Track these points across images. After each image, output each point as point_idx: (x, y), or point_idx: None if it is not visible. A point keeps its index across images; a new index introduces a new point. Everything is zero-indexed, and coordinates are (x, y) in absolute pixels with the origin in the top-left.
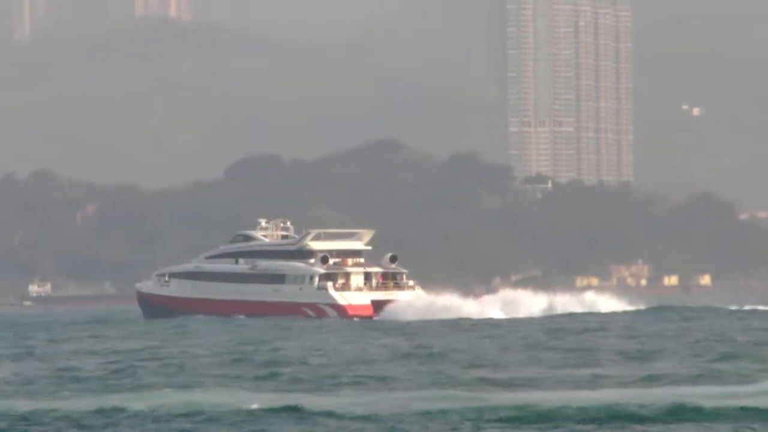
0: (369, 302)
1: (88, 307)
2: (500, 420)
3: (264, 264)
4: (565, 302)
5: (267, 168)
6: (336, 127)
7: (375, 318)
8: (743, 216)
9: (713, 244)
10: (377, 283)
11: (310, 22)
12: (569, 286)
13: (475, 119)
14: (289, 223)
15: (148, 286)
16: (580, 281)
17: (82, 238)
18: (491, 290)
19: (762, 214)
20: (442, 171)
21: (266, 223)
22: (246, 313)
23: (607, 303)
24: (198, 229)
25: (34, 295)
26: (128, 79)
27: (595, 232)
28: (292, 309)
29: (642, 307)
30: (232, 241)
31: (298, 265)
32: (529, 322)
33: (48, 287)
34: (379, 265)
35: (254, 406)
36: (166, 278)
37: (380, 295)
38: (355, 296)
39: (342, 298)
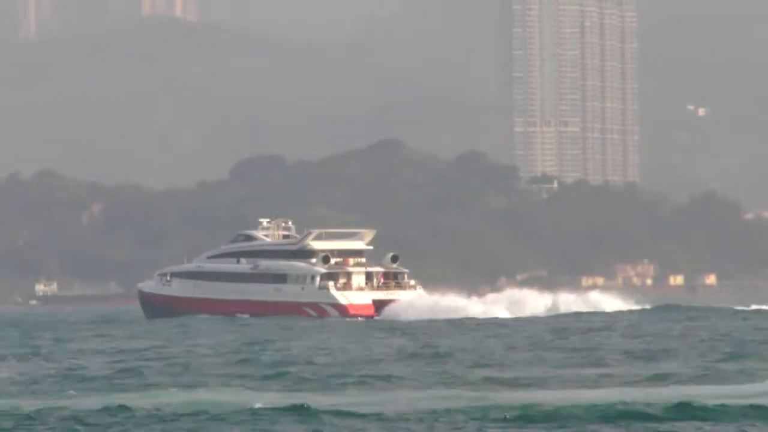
0: (370, 302)
1: (94, 307)
2: (506, 419)
3: (265, 264)
4: (570, 302)
5: (271, 168)
6: (339, 127)
7: (376, 318)
8: (748, 216)
9: (718, 243)
10: (378, 283)
11: (312, 22)
12: (575, 286)
13: (480, 119)
14: (290, 222)
15: (150, 285)
16: (585, 281)
17: (87, 238)
18: (496, 290)
19: (767, 214)
20: (447, 171)
21: (268, 222)
22: (247, 312)
23: (612, 303)
24: (203, 228)
25: (41, 294)
26: (134, 79)
27: (600, 232)
28: (294, 309)
29: (647, 306)
30: (234, 241)
31: (300, 264)
32: (534, 321)
33: (54, 287)
34: (380, 264)
35: (259, 406)
36: (168, 278)
37: (381, 295)
38: (357, 296)
39: (343, 297)
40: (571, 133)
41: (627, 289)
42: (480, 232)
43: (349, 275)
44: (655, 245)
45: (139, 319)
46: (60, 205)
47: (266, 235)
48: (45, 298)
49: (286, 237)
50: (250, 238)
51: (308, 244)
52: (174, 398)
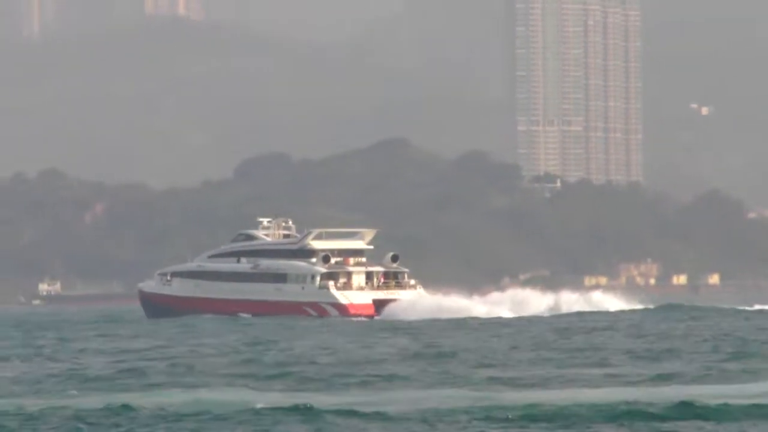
0: (370, 301)
1: (98, 306)
2: (508, 419)
3: (266, 263)
4: (572, 301)
5: (275, 167)
6: (342, 126)
7: (377, 317)
8: (752, 215)
9: (722, 243)
10: (379, 283)
11: (315, 21)
12: (578, 286)
13: (483, 118)
14: (290, 222)
15: (151, 285)
16: (588, 280)
17: (90, 238)
18: (500, 290)
19: None
20: (450, 170)
21: (268, 222)
22: (247, 312)
23: (614, 303)
24: (206, 228)
25: (44, 294)
26: (137, 78)
27: (603, 231)
28: (294, 308)
29: (650, 306)
30: (234, 240)
31: (300, 264)
32: (537, 321)
33: (57, 286)
34: (380, 264)
35: (263, 406)
36: (168, 277)
37: (382, 295)
38: (357, 295)
39: (343, 297)
40: (574, 132)
41: (630, 289)
42: (483, 232)
43: (349, 275)
44: (659, 245)
45: (141, 319)
46: (64, 205)
47: (267, 235)
48: (48, 298)
49: (286, 236)
50: (250, 237)
51: (308, 244)
52: (177, 398)
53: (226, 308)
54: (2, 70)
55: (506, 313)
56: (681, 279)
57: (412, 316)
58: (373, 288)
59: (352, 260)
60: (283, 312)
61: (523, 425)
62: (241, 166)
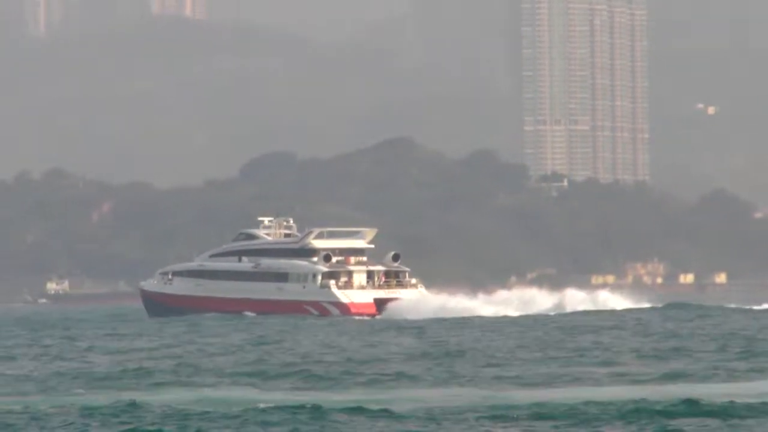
0: (372, 300)
1: (104, 305)
2: (516, 418)
3: (267, 262)
4: (578, 300)
5: (281, 166)
6: (348, 126)
7: (378, 317)
8: (758, 215)
9: (729, 242)
10: (380, 282)
11: (322, 21)
12: (585, 284)
13: (490, 118)
14: (292, 221)
15: (152, 284)
16: (595, 279)
17: (96, 237)
18: (507, 289)
19: None
20: (457, 169)
21: (269, 221)
22: (249, 311)
23: (620, 302)
24: (212, 227)
25: (52, 292)
26: (143, 78)
27: (610, 230)
28: (295, 307)
29: (657, 305)
30: (236, 240)
31: (301, 263)
32: (544, 320)
33: (66, 285)
34: (381, 263)
35: (270, 404)
36: (170, 276)
37: (383, 294)
38: (358, 294)
39: (345, 296)
40: (581, 131)
41: (637, 288)
42: (490, 231)
43: (350, 274)
44: (666, 244)
45: (146, 318)
46: (69, 204)
47: (268, 234)
48: (55, 297)
49: (287, 235)
50: (251, 236)
51: (310, 243)
52: (183, 396)
53: (228, 307)
54: (8, 70)
55: (511, 312)
56: (688, 278)
57: (415, 316)
58: (374, 287)
59: (353, 259)
60: (284, 311)
61: (529, 424)
62: (247, 166)
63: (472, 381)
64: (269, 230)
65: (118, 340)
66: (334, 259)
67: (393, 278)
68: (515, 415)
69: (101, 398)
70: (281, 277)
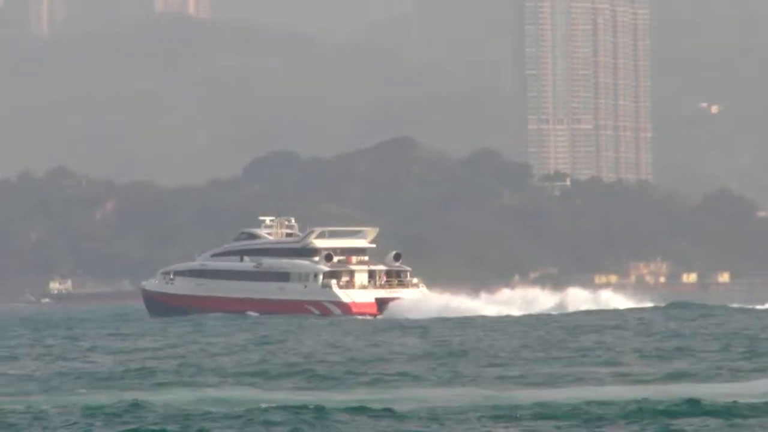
0: (373, 300)
1: (107, 305)
2: (519, 418)
3: (268, 262)
4: (580, 300)
5: (284, 166)
6: (351, 125)
7: (379, 316)
8: (762, 214)
9: (732, 241)
10: (381, 281)
11: (325, 20)
12: (588, 284)
13: (493, 117)
14: (293, 220)
15: (153, 284)
16: (598, 278)
17: (100, 236)
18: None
19: None
20: (460, 168)
21: (271, 221)
22: (250, 310)
23: (622, 302)
24: (216, 226)
25: (55, 292)
26: (146, 76)
27: (614, 229)
28: (297, 307)
29: (660, 304)
30: (237, 239)
31: (303, 262)
32: (547, 319)
33: (69, 284)
34: (383, 263)
35: (272, 404)
36: (171, 276)
37: (384, 293)
38: (359, 294)
39: (346, 295)
40: (584, 130)
41: (640, 287)
42: (493, 230)
43: (351, 273)
44: (669, 243)
45: (146, 318)
46: (73, 203)
47: (269, 233)
48: (58, 296)
49: (289, 235)
50: (253, 236)
51: (311, 242)
52: (186, 396)
53: (229, 307)
54: (11, 68)
55: (514, 311)
56: (691, 277)
57: (416, 316)
58: (375, 287)
59: (354, 259)
60: (285, 311)
61: (532, 424)
62: (251, 165)
63: (474, 381)
64: (271, 230)
65: (121, 340)
66: (335, 259)
67: (394, 278)
68: (518, 415)
69: (104, 398)
70: (283, 276)
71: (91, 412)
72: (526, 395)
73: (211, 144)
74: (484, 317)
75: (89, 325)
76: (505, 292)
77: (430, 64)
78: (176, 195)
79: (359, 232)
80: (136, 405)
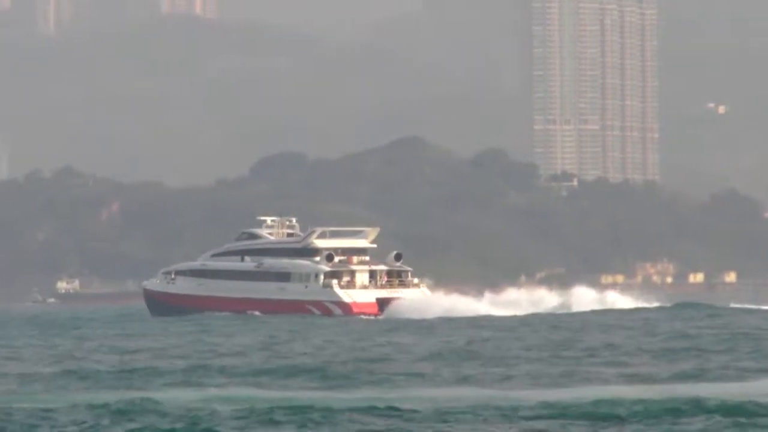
0: (374, 300)
1: (113, 305)
2: (525, 418)
3: (269, 262)
4: (587, 300)
5: (291, 166)
6: (358, 125)
7: (380, 316)
8: None
9: (738, 242)
10: (382, 281)
11: (333, 20)
12: (594, 284)
13: (500, 117)
14: (294, 220)
15: (155, 283)
16: (605, 279)
17: (106, 236)
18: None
19: None
20: (467, 168)
21: (272, 221)
22: (251, 310)
23: (628, 302)
24: (222, 227)
25: (62, 292)
26: (153, 76)
27: (620, 230)
28: (297, 307)
29: (667, 304)
30: (238, 239)
31: (304, 262)
32: (553, 319)
33: (76, 284)
34: (384, 263)
35: (279, 404)
36: (172, 276)
37: (385, 293)
38: (360, 294)
39: (347, 296)
40: (591, 131)
41: (647, 287)
42: (499, 230)
43: (352, 273)
44: (675, 243)
45: (150, 318)
46: (79, 203)
47: (270, 233)
48: (65, 296)
49: (290, 235)
50: (254, 236)
51: (312, 242)
52: (192, 395)
53: (230, 307)
54: (18, 69)
55: (520, 311)
56: (697, 277)
57: (417, 315)
58: (376, 287)
59: (355, 259)
60: (286, 311)
61: (538, 423)
62: (257, 165)
63: (480, 380)
64: (272, 230)
65: (128, 340)
66: (336, 259)
67: (395, 278)
68: (524, 415)
69: (110, 397)
70: (283, 276)
71: (98, 411)
72: (533, 395)
73: (218, 144)
74: (490, 317)
75: (95, 324)
76: (512, 292)
77: (436, 64)
78: (183, 195)
79: (360, 232)
80: (142, 404)
